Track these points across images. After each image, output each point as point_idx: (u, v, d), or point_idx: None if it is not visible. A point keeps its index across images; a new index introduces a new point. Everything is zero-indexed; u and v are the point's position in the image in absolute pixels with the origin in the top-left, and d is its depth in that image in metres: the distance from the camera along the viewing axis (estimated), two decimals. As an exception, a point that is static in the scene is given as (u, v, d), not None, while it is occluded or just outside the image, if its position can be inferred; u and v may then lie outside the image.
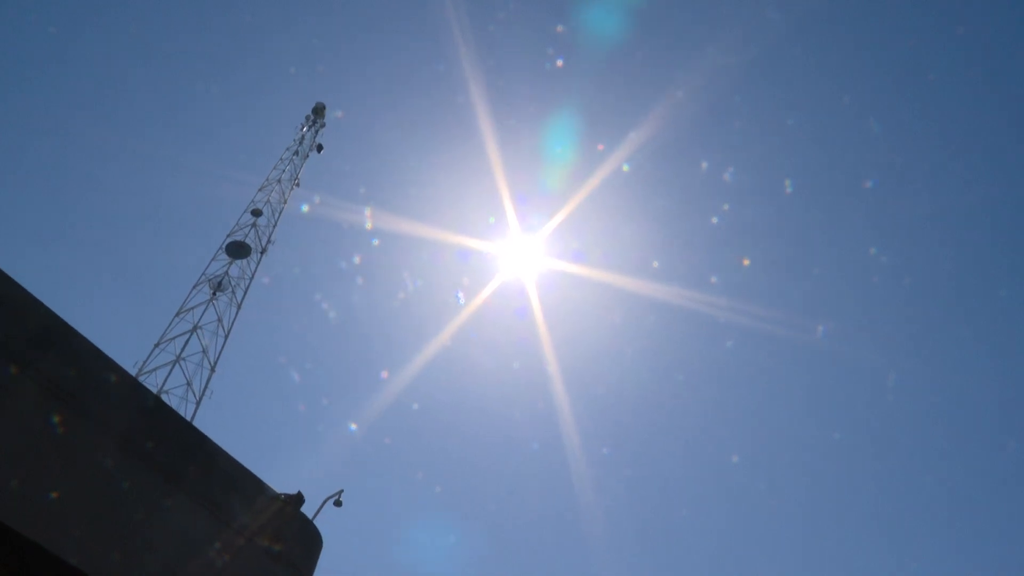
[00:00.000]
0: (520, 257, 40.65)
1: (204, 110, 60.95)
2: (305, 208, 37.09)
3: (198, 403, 26.85)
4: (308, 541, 13.66)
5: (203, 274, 30.90)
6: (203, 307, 29.57)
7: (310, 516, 14.03)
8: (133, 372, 25.85)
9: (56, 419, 10.17)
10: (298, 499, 13.15)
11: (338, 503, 14.64)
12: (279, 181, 35.06)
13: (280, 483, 13.50)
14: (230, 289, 30.43)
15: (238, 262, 31.48)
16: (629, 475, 58.14)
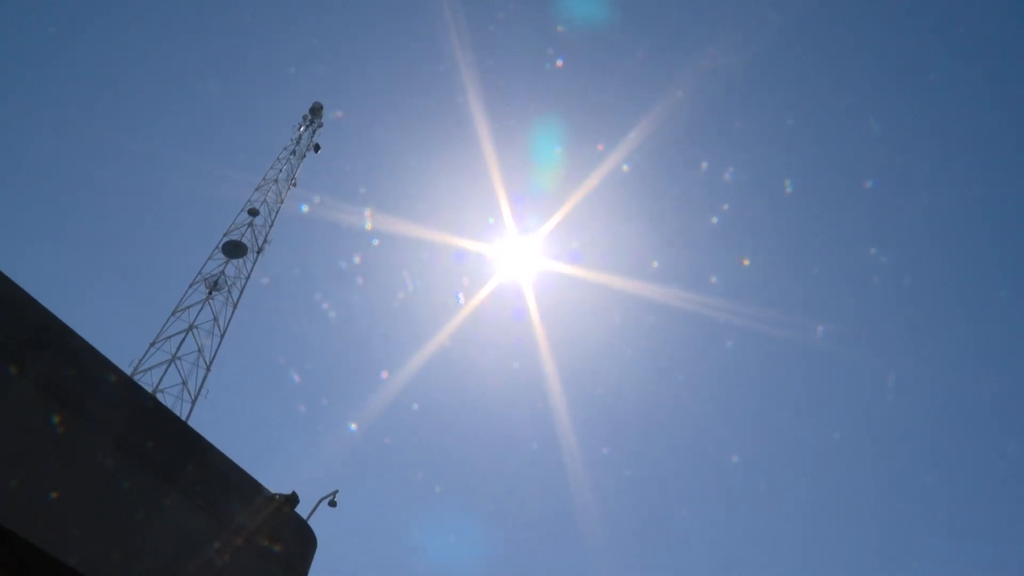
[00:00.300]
0: (518, 258, 40.66)
1: (202, 110, 60.92)
2: (305, 208, 37.18)
3: (193, 402, 26.86)
4: (303, 541, 13.68)
5: (199, 273, 30.91)
6: (199, 306, 29.57)
7: (305, 516, 14.05)
8: (129, 371, 25.85)
9: (53, 419, 10.19)
10: (293, 499, 13.17)
11: (333, 503, 14.67)
12: (276, 181, 35.07)
13: (276, 483, 13.54)
14: (226, 288, 30.43)
15: (234, 261, 31.49)
16: (629, 475, 58.23)
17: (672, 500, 61.46)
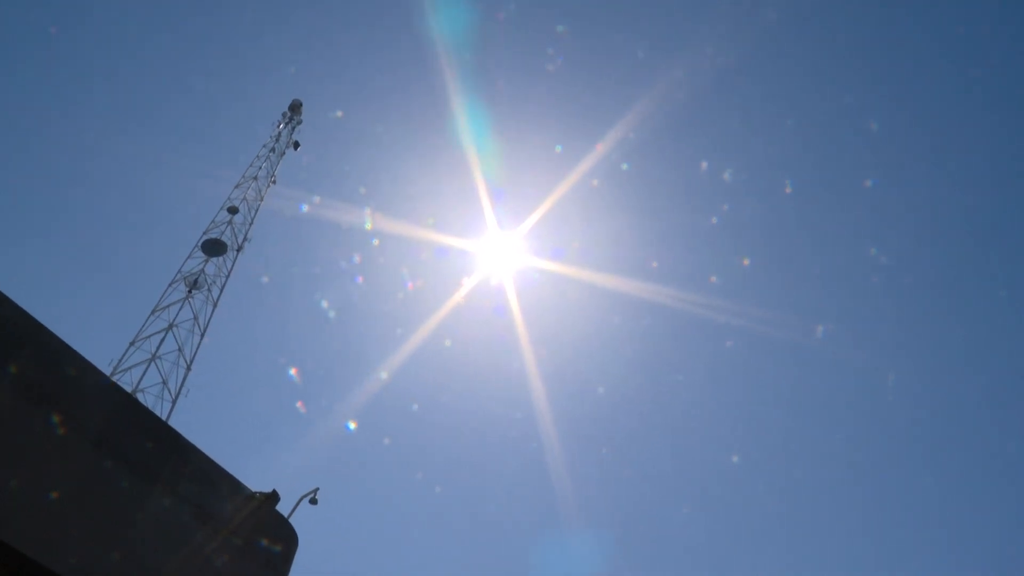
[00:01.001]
0: (501, 254, 40.55)
1: (182, 107, 60.40)
2: (305, 209, 37.04)
3: (174, 402, 26.69)
4: (284, 540, 13.64)
5: (179, 272, 30.68)
6: (179, 305, 29.36)
7: (287, 515, 14.02)
8: (108, 371, 25.63)
9: (28, 420, 10.10)
10: (273, 497, 13.13)
11: (314, 501, 14.62)
12: (256, 178, 34.84)
13: (258, 483, 13.47)
14: (206, 287, 30.23)
15: (214, 260, 31.28)
16: (628, 475, 58.32)
17: (670, 500, 61.56)
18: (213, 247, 31.46)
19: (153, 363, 27.04)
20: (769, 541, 61.60)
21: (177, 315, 28.77)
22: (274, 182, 35.96)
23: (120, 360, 27.02)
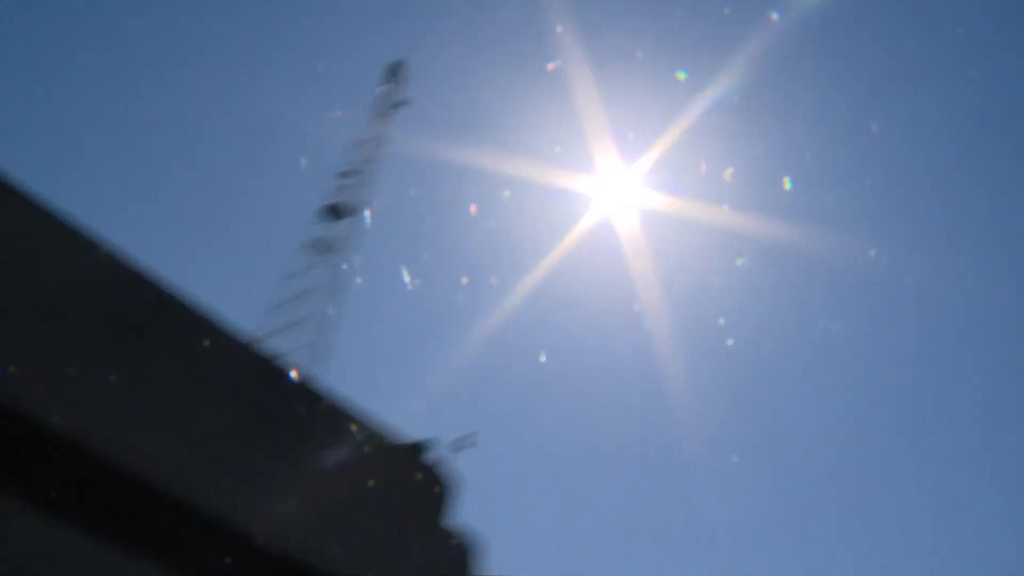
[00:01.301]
0: (620, 192, 38.86)
1: (290, 71, 61.53)
2: (416, 162, 36.88)
3: (318, 363, 27.65)
4: (438, 487, 13.71)
5: (305, 238, 31.58)
6: (311, 270, 30.27)
7: (439, 463, 14.06)
8: (252, 338, 26.75)
9: (185, 385, 10.44)
10: (424, 447, 13.19)
11: (468, 445, 14.52)
12: (366, 141, 35.22)
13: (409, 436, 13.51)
14: (336, 251, 30.98)
15: (339, 223, 31.99)
16: (759, 430, 55.99)
17: (804, 459, 58.37)
18: (335, 211, 32.17)
19: (293, 328, 28.06)
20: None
21: (311, 280, 29.68)
22: (387, 142, 36.24)
23: (262, 326, 28.20)
